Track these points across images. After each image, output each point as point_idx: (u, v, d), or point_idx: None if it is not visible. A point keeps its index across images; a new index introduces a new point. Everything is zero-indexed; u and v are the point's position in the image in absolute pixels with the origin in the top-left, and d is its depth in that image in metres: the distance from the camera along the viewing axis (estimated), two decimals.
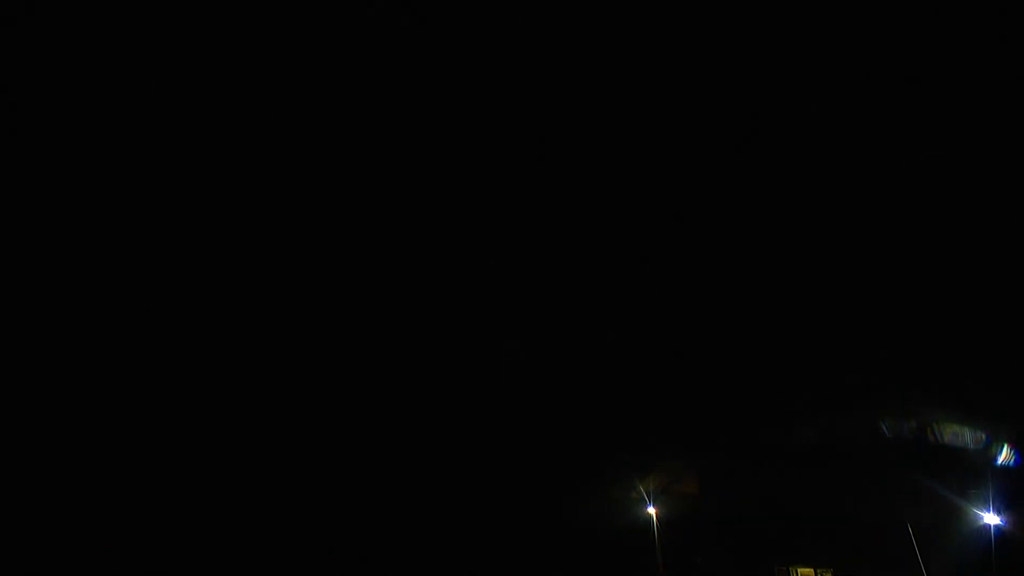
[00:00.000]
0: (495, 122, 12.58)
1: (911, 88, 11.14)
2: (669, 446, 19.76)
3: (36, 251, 15.02)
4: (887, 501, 16.04)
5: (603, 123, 12.55)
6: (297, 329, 16.90)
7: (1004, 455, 14.47)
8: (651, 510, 20.50)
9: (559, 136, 12.81)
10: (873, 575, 15.87)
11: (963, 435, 14.99)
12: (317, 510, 18.22)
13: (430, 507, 19.06)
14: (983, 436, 14.67)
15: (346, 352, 17.08)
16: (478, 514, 19.42)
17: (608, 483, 20.93)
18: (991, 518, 14.47)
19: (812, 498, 17.39)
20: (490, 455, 19.56)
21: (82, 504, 17.18)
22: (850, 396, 16.43)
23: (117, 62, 12.20)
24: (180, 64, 12.23)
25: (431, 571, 18.31)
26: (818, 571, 17.10)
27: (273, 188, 14.30)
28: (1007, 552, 14.30)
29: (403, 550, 18.44)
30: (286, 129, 13.23)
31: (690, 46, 10.90)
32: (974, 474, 14.77)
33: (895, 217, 12.93)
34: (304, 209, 14.66)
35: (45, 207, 14.43)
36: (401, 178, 14.04)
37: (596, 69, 11.23)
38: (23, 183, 13.92)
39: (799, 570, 17.44)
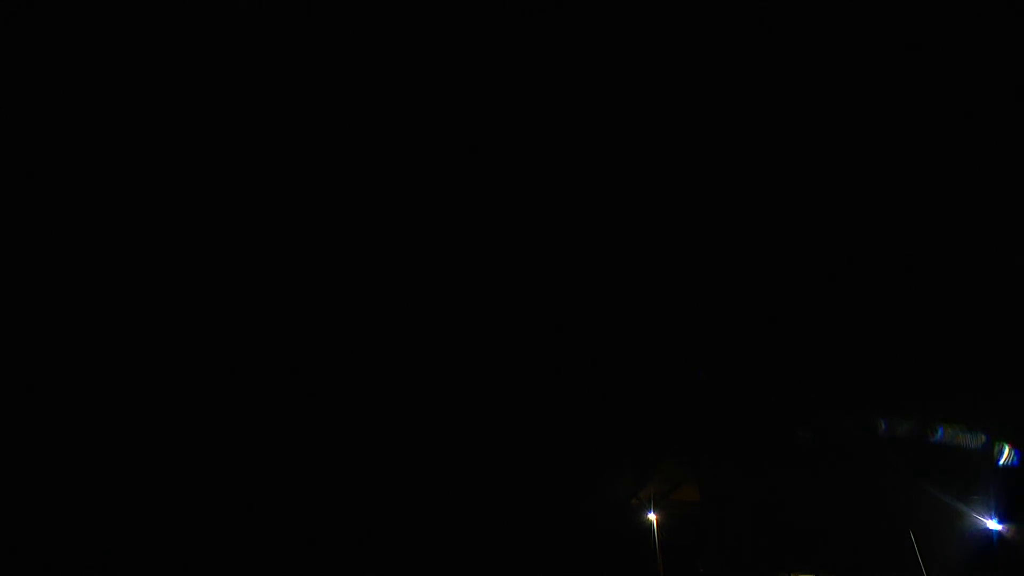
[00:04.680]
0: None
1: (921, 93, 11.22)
2: (670, 452, 19.72)
3: (36, 251, 15.10)
4: (888, 506, 15.96)
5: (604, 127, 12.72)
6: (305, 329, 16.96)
7: (1006, 457, 14.40)
8: (652, 516, 20.43)
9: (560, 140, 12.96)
10: None
11: (964, 438, 14.92)
12: (318, 510, 18.22)
13: (428, 510, 19.03)
14: (984, 438, 14.61)
15: (348, 351, 17.15)
16: (477, 519, 19.36)
17: (609, 489, 20.86)
18: (993, 523, 14.37)
19: (813, 503, 17.32)
20: (491, 460, 19.53)
21: (82, 504, 17.16)
22: (850, 400, 16.40)
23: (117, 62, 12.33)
24: (180, 64, 12.35)
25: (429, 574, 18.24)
26: None
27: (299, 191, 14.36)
28: (1010, 557, 14.20)
29: (402, 553, 18.39)
30: (289, 129, 13.34)
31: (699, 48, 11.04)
32: (976, 478, 14.69)
33: (894, 218, 12.97)
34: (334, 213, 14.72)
35: (45, 207, 14.52)
36: (412, 180, 14.13)
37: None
38: (23, 183, 14.02)
39: None
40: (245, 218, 14.70)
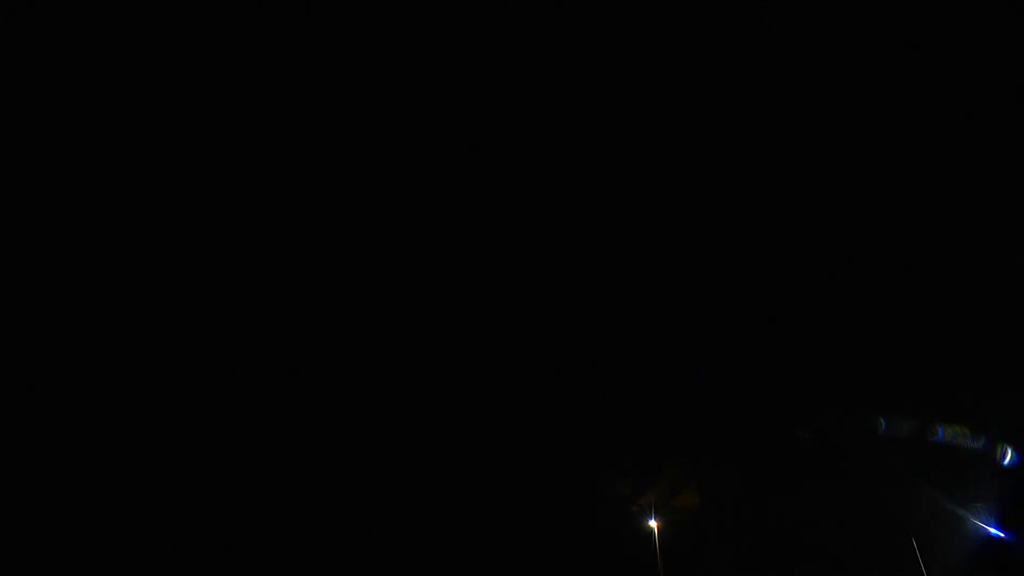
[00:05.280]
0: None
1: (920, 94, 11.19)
2: (670, 458, 19.68)
3: (36, 251, 15.09)
4: (888, 507, 15.93)
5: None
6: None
7: (1007, 460, 14.36)
8: (652, 523, 20.38)
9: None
10: None
11: (965, 440, 14.89)
12: (318, 510, 18.22)
13: (429, 510, 19.01)
14: (985, 440, 14.57)
15: (347, 352, 17.14)
16: (477, 519, 19.34)
17: (609, 491, 20.83)
18: (994, 526, 14.33)
19: (813, 504, 17.27)
20: (491, 460, 19.51)
21: (82, 504, 17.15)
22: (852, 404, 16.37)
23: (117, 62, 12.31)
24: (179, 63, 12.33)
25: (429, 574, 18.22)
26: None
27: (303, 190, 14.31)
28: (1010, 558, 14.15)
29: (402, 553, 18.38)
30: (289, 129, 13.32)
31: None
32: (976, 479, 14.66)
33: (894, 218, 12.95)
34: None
35: (45, 207, 14.51)
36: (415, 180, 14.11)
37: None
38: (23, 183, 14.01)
39: None
40: (245, 219, 14.70)
